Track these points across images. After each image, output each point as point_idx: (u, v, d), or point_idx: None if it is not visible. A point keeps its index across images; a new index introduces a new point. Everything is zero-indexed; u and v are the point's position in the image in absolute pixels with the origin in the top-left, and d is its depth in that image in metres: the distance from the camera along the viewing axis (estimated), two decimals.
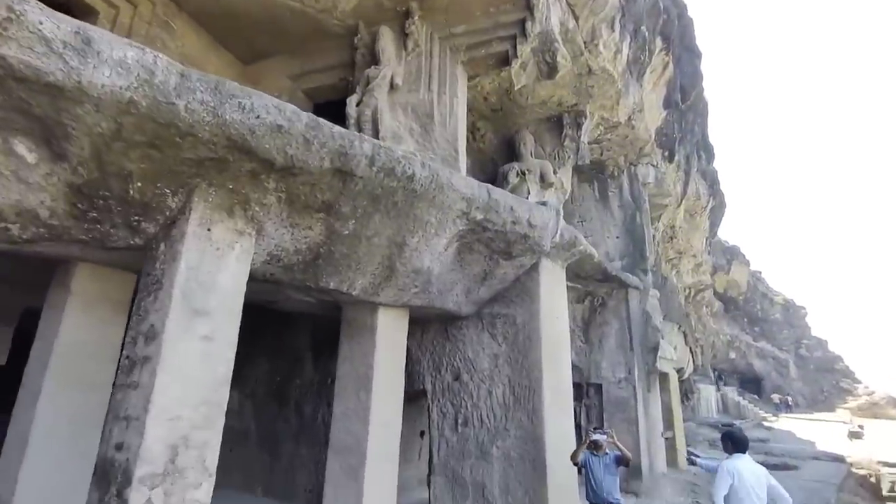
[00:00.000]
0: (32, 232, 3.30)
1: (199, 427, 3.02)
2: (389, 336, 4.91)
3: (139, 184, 3.13)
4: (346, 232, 3.85)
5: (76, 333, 4.02)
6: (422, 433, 6.68)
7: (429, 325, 5.97)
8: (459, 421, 5.46)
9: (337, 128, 3.43)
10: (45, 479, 3.68)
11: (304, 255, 3.89)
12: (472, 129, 7.62)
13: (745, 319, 33.13)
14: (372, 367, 4.67)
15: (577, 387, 6.81)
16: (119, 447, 2.85)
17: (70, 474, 3.72)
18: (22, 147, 2.92)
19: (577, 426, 6.43)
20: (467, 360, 5.61)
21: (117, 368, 3.59)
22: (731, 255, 27.49)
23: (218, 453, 3.13)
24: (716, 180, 16.27)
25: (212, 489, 3.05)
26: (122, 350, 3.94)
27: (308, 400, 6.74)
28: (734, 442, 3.81)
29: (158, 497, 2.76)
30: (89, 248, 3.62)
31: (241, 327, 3.43)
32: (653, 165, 10.69)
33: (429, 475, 5.55)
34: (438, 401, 5.69)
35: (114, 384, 3.16)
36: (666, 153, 11.16)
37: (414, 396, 5.84)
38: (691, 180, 13.57)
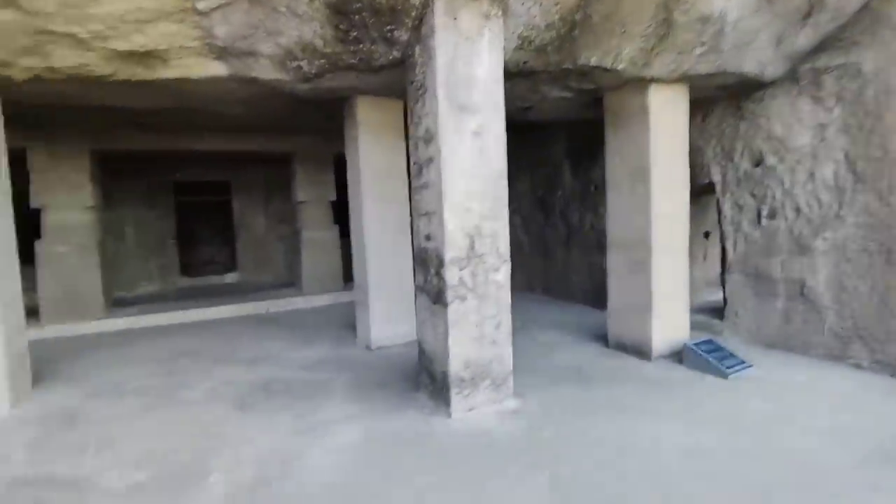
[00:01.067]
0: (316, 65, 3.68)
1: (487, 218, 3.17)
2: (665, 118, 4.11)
3: None
4: None
5: (372, 158, 4.66)
6: (706, 234, 5.94)
7: (714, 105, 4.80)
8: (763, 213, 4.51)
9: None
10: (382, 268, 4.78)
11: (557, 28, 3.31)
12: None
13: None
14: (647, 155, 4.07)
15: None
16: (428, 238, 3.23)
17: (395, 262, 4.81)
18: None
19: None
20: (774, 139, 4.37)
21: (408, 178, 4.12)
22: None
23: (508, 242, 3.28)
24: None
25: (509, 273, 3.27)
26: (407, 162, 4.50)
27: (572, 208, 6.71)
28: None
29: (467, 276, 3.10)
30: (362, 73, 3.89)
31: None
32: None
33: (722, 274, 4.96)
34: (732, 193, 4.77)
35: (410, 188, 3.51)
36: None
37: (696, 193, 5.05)
38: None
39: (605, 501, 2.20)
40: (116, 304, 7.25)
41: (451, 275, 3.05)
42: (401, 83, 4.01)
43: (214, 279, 9.60)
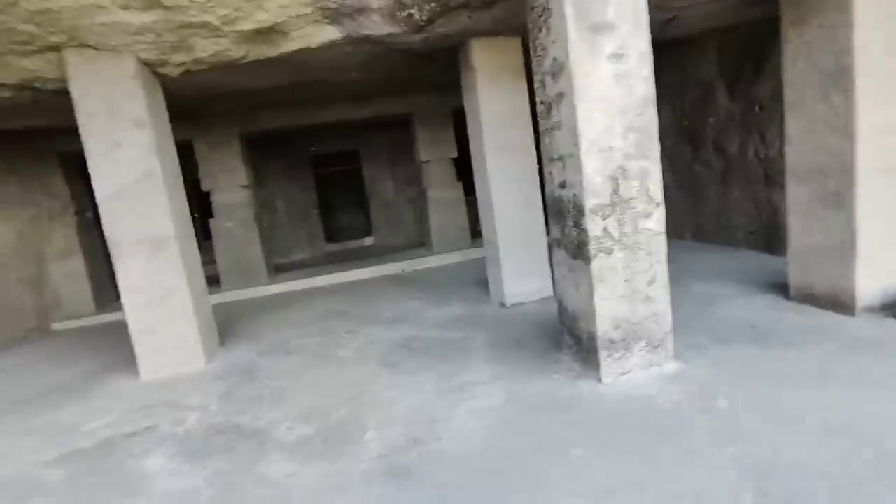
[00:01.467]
0: (427, 10, 3.44)
1: (633, 156, 2.71)
2: None
3: None
4: None
5: (492, 105, 4.35)
6: None
7: None
8: None
9: None
10: (511, 222, 4.56)
11: None
12: None
13: None
14: (849, 52, 3.10)
15: None
16: (563, 185, 2.89)
17: (525, 214, 4.57)
18: None
19: None
20: None
21: (533, 123, 3.74)
22: None
23: (660, 184, 2.81)
24: None
25: (663, 219, 2.81)
26: (530, 105, 4.11)
27: (729, 136, 5.64)
28: None
29: (612, 226, 2.72)
30: (475, 11, 3.56)
31: None
32: None
33: None
34: None
35: (539, 131, 3.16)
36: None
37: None
38: None
39: (821, 493, 1.77)
40: (277, 269, 8.19)
41: (594, 225, 2.69)
42: (517, 16, 3.61)
43: (354, 243, 10.33)
